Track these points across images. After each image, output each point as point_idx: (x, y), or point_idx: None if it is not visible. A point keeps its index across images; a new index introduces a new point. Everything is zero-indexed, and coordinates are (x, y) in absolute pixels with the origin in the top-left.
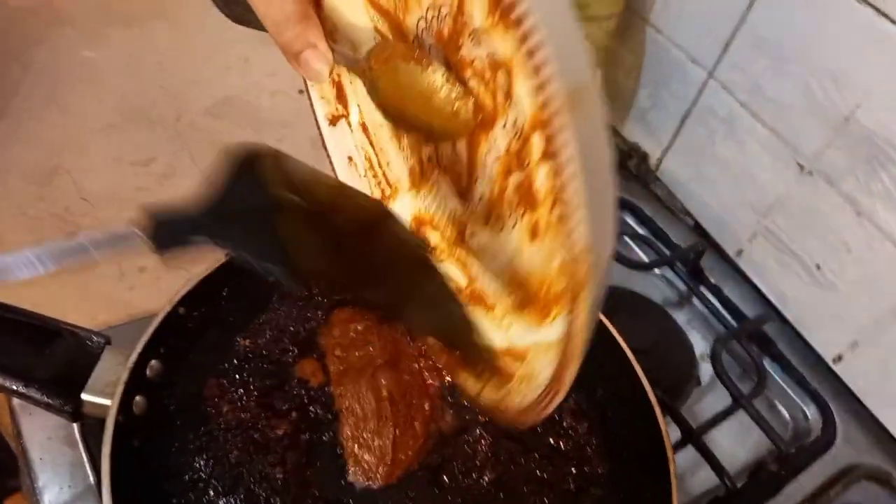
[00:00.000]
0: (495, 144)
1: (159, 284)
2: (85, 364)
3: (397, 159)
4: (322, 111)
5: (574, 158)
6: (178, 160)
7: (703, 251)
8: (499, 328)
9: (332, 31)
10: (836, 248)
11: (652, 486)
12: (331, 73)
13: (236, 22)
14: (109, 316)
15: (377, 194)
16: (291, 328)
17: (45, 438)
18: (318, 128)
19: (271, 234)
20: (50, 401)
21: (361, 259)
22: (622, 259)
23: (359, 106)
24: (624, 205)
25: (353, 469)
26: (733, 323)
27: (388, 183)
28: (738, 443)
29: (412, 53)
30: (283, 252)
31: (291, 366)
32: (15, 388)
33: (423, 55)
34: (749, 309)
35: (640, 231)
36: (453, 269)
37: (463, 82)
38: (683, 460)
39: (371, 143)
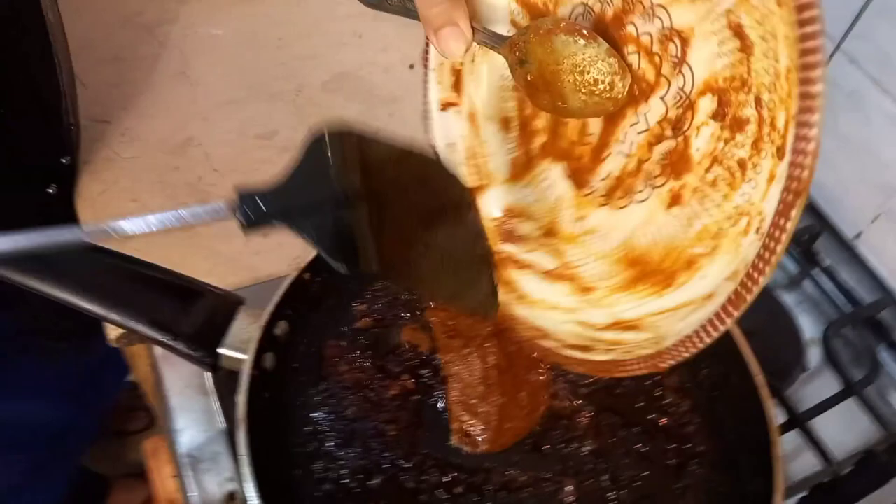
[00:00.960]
0: (645, 116)
1: (281, 250)
2: (222, 321)
3: (499, 152)
4: (435, 96)
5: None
6: (297, 134)
7: (818, 233)
8: (600, 307)
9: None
10: None
11: (754, 467)
12: (467, 51)
13: (372, 6)
14: (239, 278)
15: (472, 184)
16: (404, 296)
17: (182, 387)
18: (427, 111)
19: (339, 226)
20: (193, 353)
21: (426, 252)
22: None
23: (471, 97)
24: None
25: (457, 433)
26: (847, 308)
27: (484, 174)
28: (846, 430)
29: (575, 28)
30: (348, 246)
31: (402, 332)
32: (165, 340)
33: (585, 30)
34: (865, 294)
35: None
36: (542, 257)
37: (623, 57)
38: (786, 444)
39: (476, 135)
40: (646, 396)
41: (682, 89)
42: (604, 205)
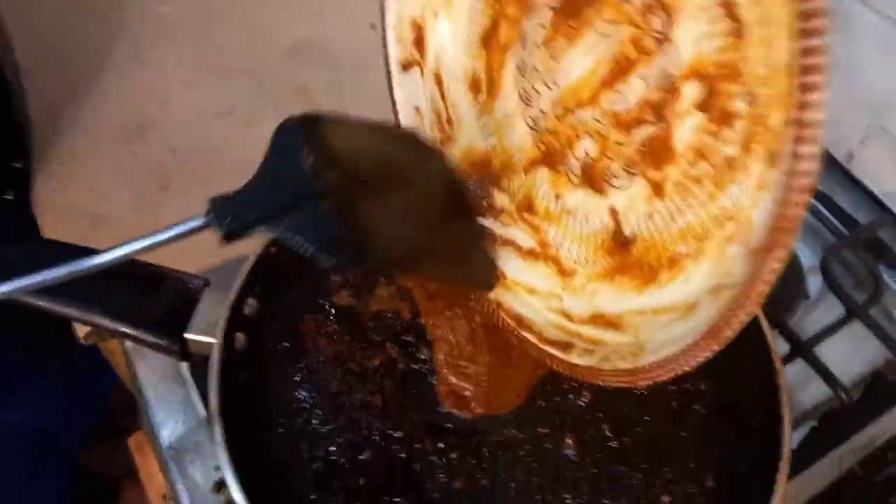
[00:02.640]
0: (623, 95)
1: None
2: (187, 305)
3: (469, 115)
4: (396, 54)
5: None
6: (259, 108)
7: None
8: (580, 295)
9: None
10: None
11: (760, 401)
12: None
13: None
14: (212, 260)
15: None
16: None
17: (157, 380)
18: (388, 72)
19: (323, 220)
20: (158, 341)
21: (416, 233)
22: None
23: (436, 55)
24: None
25: (447, 397)
26: (845, 231)
27: (455, 140)
28: (852, 355)
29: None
30: (335, 241)
31: (382, 298)
32: (126, 330)
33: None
34: (862, 216)
35: None
36: (520, 234)
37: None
38: (792, 374)
39: (443, 97)
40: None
41: (665, 70)
42: (579, 186)
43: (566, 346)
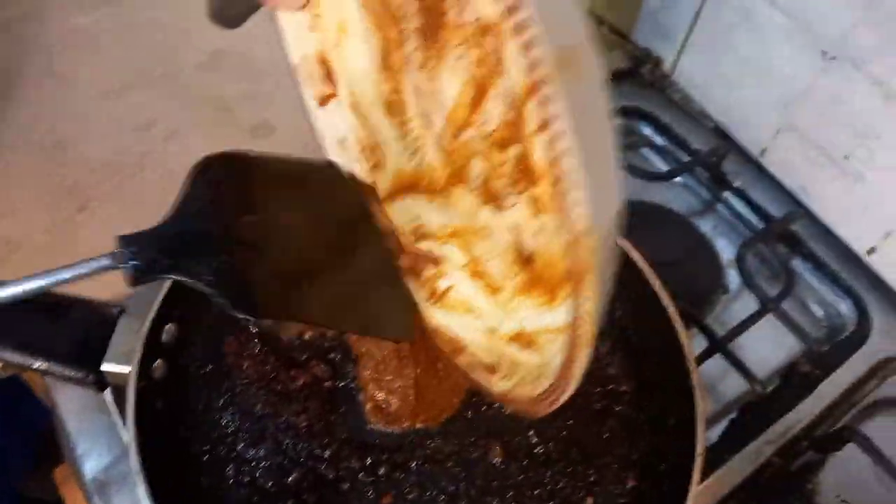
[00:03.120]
0: (489, 115)
1: None
2: (102, 334)
3: (390, 138)
4: (310, 92)
5: (566, 132)
6: (179, 120)
7: (724, 154)
8: (507, 312)
9: None
10: (865, 136)
11: (677, 398)
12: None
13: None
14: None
15: (371, 179)
16: None
17: (79, 408)
18: (307, 110)
19: (234, 268)
20: (71, 373)
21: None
22: (640, 171)
23: (348, 85)
24: (639, 114)
25: (374, 413)
26: (760, 225)
27: (383, 166)
28: (770, 347)
29: None
30: (246, 291)
31: None
32: (36, 365)
33: None
34: (776, 210)
35: (658, 140)
36: (453, 251)
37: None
38: (714, 368)
39: (363, 125)
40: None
41: (509, 89)
42: (485, 203)
43: (493, 369)
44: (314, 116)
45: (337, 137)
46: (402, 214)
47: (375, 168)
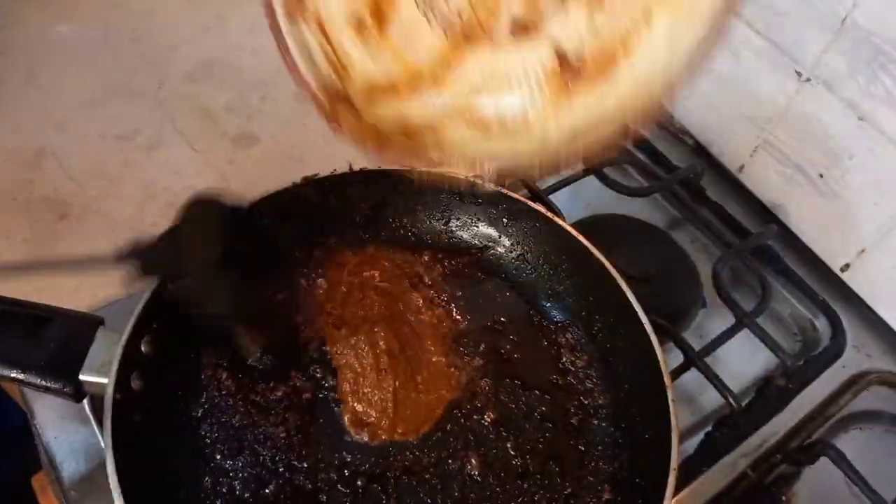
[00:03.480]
0: None
1: None
2: (80, 346)
3: (357, 54)
4: (280, 5)
5: None
6: (162, 130)
7: (702, 171)
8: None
9: None
10: (839, 156)
11: (653, 412)
12: None
13: None
14: (109, 294)
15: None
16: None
17: (57, 418)
18: (276, 23)
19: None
20: (49, 384)
21: None
22: (621, 186)
23: (315, 4)
24: None
25: (353, 425)
26: (737, 240)
27: (351, 80)
28: (745, 361)
29: None
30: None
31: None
32: (14, 375)
33: None
34: (753, 225)
35: (638, 156)
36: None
37: None
38: (690, 382)
39: (332, 45)
40: (543, 358)
41: None
42: (511, 44)
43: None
44: (284, 30)
45: (305, 51)
46: None
47: (343, 81)
